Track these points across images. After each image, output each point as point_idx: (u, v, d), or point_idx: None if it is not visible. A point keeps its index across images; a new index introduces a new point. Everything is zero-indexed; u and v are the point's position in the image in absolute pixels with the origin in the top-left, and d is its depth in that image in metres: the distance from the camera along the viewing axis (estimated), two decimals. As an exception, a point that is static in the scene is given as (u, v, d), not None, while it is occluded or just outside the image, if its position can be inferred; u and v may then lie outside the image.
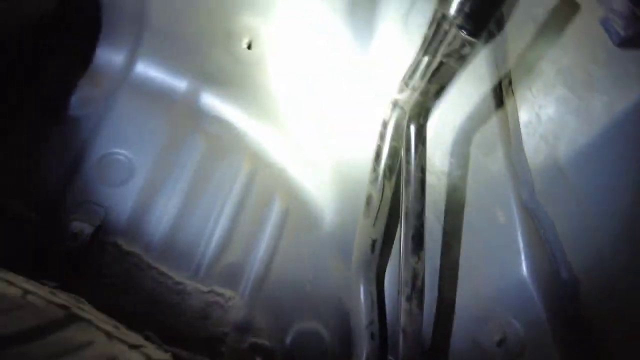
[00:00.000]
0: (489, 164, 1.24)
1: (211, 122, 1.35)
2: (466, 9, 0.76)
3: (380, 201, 1.24)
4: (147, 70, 1.30)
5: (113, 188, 1.27)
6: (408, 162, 0.98)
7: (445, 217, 1.26)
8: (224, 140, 1.35)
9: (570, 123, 0.99)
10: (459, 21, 0.78)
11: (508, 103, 1.23)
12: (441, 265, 1.26)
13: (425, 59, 1.14)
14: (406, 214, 0.99)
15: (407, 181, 0.98)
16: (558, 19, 1.03)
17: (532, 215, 1.12)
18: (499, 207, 1.18)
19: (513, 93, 1.20)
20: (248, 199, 1.35)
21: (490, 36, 1.22)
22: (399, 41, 1.31)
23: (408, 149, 0.99)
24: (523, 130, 1.16)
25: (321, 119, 1.35)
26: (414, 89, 1.17)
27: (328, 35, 1.30)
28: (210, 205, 1.32)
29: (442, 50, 0.83)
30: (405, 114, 1.22)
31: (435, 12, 1.09)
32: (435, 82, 0.89)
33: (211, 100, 1.33)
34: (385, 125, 1.23)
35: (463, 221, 1.24)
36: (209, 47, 1.27)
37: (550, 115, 1.06)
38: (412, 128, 0.97)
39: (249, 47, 1.25)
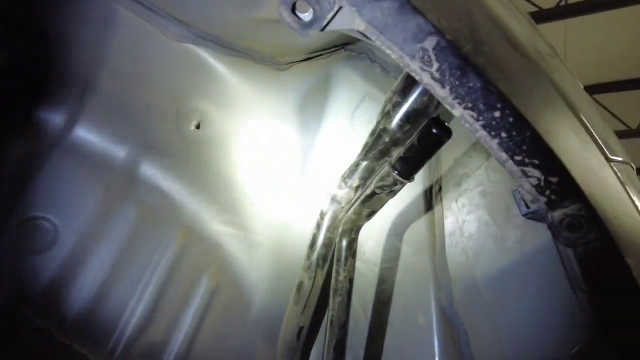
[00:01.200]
0: (416, 262, 1.31)
1: (148, 191, 1.32)
2: (401, 154, 0.83)
3: (311, 289, 1.27)
4: (88, 134, 1.26)
5: (32, 256, 1.19)
6: (337, 272, 1.02)
7: (371, 311, 1.31)
8: (159, 212, 1.33)
9: (488, 246, 1.08)
10: (394, 163, 0.84)
11: (436, 209, 1.32)
12: (364, 357, 1.30)
13: (364, 164, 1.21)
14: (331, 322, 1.02)
15: (335, 290, 1.02)
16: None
17: (449, 322, 1.19)
18: (420, 308, 1.25)
19: (442, 200, 1.30)
20: (177, 274, 1.32)
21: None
22: (344, 137, 1.37)
23: (338, 260, 1.03)
24: (447, 238, 1.25)
25: (265, 202, 1.37)
26: (350, 188, 1.24)
27: (279, 125, 1.34)
28: (136, 279, 1.28)
29: (376, 183, 0.89)
30: (341, 208, 1.28)
31: (378, 123, 1.17)
32: (367, 207, 0.95)
33: (151, 171, 1.31)
34: (322, 216, 1.27)
35: (388, 316, 1.30)
36: (157, 121, 1.26)
37: (471, 232, 1.15)
38: (344, 242, 1.02)
39: (198, 127, 1.25)
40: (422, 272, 1.28)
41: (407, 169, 0.81)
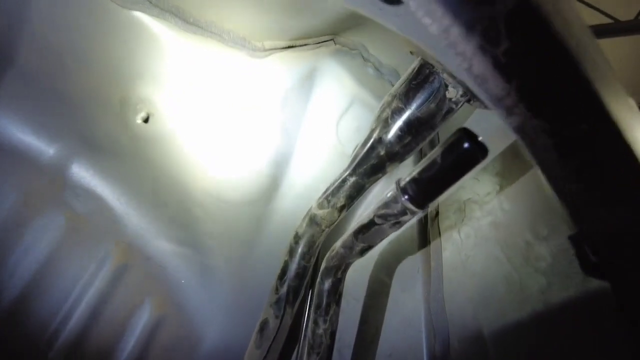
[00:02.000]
0: (405, 301, 1.09)
1: (80, 198, 1.05)
2: (416, 174, 0.61)
3: (277, 330, 1.03)
4: (5, 122, 0.98)
5: None
6: (316, 322, 0.79)
7: (350, 357, 1.08)
8: (92, 223, 1.06)
9: (499, 289, 0.88)
10: (404, 185, 0.62)
11: (433, 239, 1.11)
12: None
13: (352, 180, 0.99)
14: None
15: (311, 347, 0.79)
16: (509, 169, 0.94)
17: (444, 377, 0.98)
18: (409, 354, 1.03)
19: (439, 229, 1.09)
20: (111, 299, 1.05)
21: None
22: (326, 146, 1.14)
23: (318, 307, 0.79)
24: (446, 275, 1.04)
25: (225, 217, 1.12)
26: (334, 207, 1.01)
27: (248, 125, 1.09)
28: (58, 304, 1.01)
29: (377, 210, 0.66)
30: (321, 231, 1.05)
31: (371, 132, 0.95)
32: (362, 241, 0.72)
33: (85, 173, 1.04)
34: (297, 239, 1.04)
35: (368, 364, 1.07)
36: (95, 111, 0.99)
37: (477, 270, 0.95)
38: (327, 283, 0.78)
39: (146, 120, 0.99)
40: (413, 313, 1.06)
41: (422, 195, 0.59)
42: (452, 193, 1.06)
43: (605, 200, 0.46)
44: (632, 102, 0.46)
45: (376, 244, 0.73)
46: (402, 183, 0.62)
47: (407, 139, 0.92)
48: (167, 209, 1.08)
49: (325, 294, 0.77)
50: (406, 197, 0.61)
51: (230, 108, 1.05)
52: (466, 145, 0.56)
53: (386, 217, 0.65)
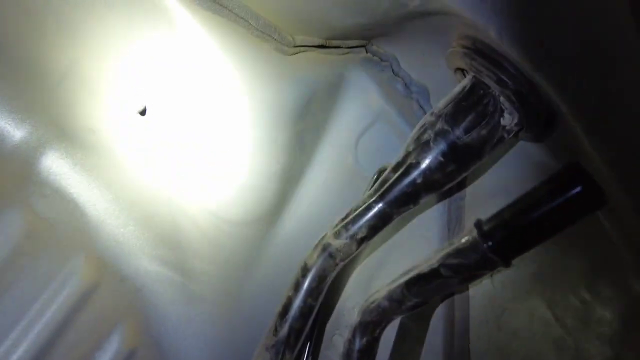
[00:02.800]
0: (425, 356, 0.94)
1: (47, 199, 0.86)
2: (507, 217, 0.47)
3: (272, 380, 0.86)
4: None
5: None
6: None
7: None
8: (58, 231, 0.86)
9: (549, 357, 0.74)
10: (488, 229, 0.48)
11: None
12: None
13: (377, 207, 0.84)
14: None
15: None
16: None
17: None
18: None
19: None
20: (72, 327, 0.86)
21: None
22: (343, 165, 1.00)
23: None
24: (474, 329, 0.90)
25: (220, 237, 0.95)
26: (353, 238, 0.86)
27: (263, 129, 0.94)
28: (3, 331, 0.81)
29: (445, 258, 0.52)
30: (335, 264, 0.90)
31: (407, 155, 0.81)
32: (416, 295, 0.57)
33: (56, 168, 0.85)
34: (305, 272, 0.88)
35: None
36: (81, 93, 0.81)
37: (517, 330, 0.81)
38: (360, 342, 0.63)
39: (143, 113, 0.82)
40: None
41: (512, 245, 0.45)
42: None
43: None
44: None
45: (430, 300, 0.58)
46: (486, 227, 0.48)
47: (450, 168, 0.79)
48: (154, 222, 0.90)
49: (355, 356, 0.61)
50: (489, 244, 0.47)
51: (242, 109, 0.89)
52: (581, 187, 0.43)
53: (457, 269, 0.51)
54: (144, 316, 0.92)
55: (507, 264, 0.47)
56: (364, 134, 1.03)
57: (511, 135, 0.81)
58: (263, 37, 0.77)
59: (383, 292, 0.64)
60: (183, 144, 0.89)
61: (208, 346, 0.92)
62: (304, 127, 0.91)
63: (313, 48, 0.83)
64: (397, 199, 0.83)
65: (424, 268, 0.55)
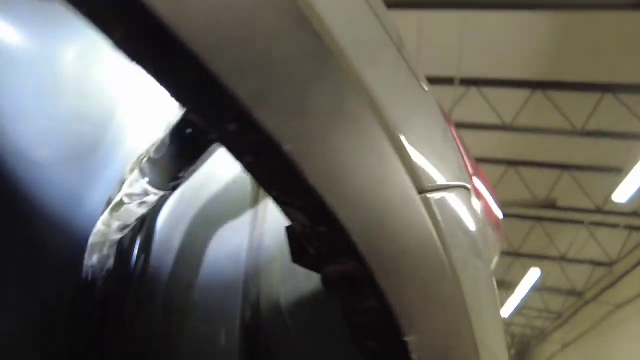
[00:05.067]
0: (228, 267, 1.07)
1: None
2: (152, 154, 0.57)
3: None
4: None
5: None
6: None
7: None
8: None
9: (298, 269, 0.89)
10: (143, 165, 0.58)
11: (261, 204, 1.09)
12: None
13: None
14: None
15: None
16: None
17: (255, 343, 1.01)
18: (224, 325, 1.04)
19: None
20: None
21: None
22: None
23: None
24: (266, 243, 1.03)
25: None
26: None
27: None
28: None
29: (125, 189, 0.62)
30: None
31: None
32: (117, 219, 0.68)
33: None
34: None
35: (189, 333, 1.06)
36: None
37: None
38: (93, 259, 0.74)
39: None
40: (233, 280, 1.06)
41: (161, 176, 0.56)
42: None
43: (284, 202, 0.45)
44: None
45: (131, 222, 0.69)
46: (142, 164, 0.58)
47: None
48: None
49: (90, 271, 0.73)
50: (146, 178, 0.57)
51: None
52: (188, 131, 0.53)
53: (132, 197, 0.61)
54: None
55: (164, 190, 0.57)
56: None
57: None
58: None
59: (101, 219, 0.75)
60: None
61: None
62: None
63: None
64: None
65: (117, 198, 0.66)
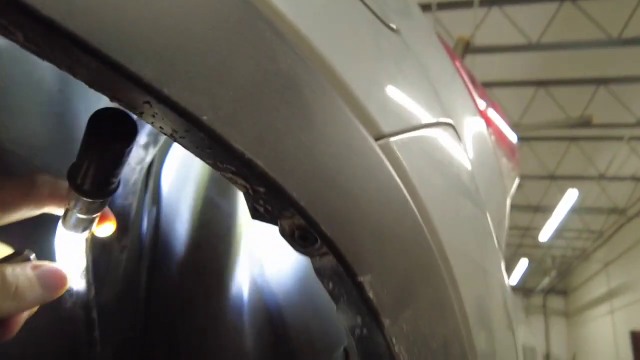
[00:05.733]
0: (233, 224, 1.13)
1: None
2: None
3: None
4: None
5: None
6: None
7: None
8: None
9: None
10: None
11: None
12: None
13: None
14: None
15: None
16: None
17: (261, 294, 1.08)
18: (234, 276, 1.11)
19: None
20: None
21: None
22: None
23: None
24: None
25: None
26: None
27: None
28: None
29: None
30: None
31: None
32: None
33: None
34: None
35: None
36: None
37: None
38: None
39: None
40: (240, 235, 1.12)
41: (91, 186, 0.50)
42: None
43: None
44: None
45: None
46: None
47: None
48: None
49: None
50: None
51: None
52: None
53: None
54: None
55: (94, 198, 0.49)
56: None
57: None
58: None
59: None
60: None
61: None
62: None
63: None
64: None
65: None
